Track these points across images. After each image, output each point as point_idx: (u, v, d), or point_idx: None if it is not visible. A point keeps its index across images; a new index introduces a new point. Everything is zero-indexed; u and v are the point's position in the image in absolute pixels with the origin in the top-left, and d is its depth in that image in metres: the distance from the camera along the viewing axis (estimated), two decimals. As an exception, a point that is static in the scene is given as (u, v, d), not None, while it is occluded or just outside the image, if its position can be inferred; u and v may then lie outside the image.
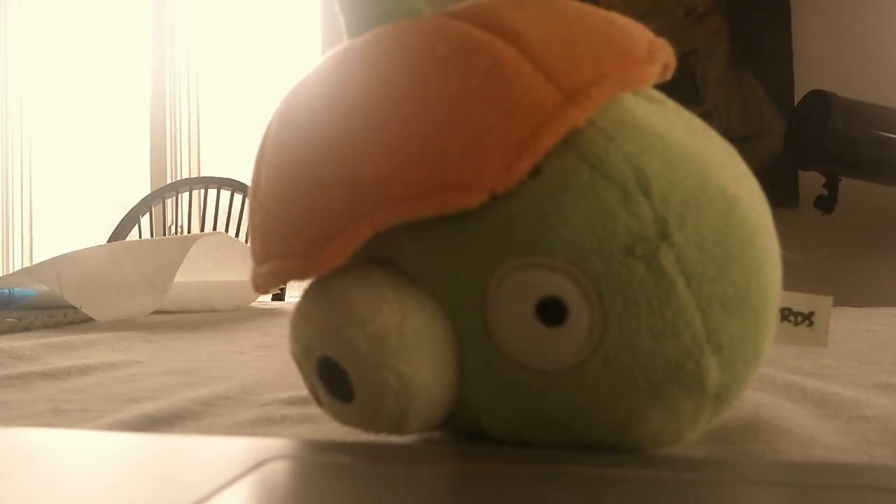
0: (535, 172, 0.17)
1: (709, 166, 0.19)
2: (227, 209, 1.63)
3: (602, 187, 0.17)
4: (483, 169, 0.16)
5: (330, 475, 0.15)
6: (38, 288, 0.68)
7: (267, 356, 0.42)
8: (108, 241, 1.21)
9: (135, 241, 0.64)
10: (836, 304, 0.35)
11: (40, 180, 2.50)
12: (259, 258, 0.20)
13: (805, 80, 1.62)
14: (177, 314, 0.72)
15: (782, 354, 0.37)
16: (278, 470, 0.15)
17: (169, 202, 1.93)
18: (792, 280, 0.25)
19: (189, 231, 1.66)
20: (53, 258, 0.62)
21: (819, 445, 0.22)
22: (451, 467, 0.16)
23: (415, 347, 0.17)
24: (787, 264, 0.22)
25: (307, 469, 0.16)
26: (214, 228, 1.66)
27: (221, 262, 0.76)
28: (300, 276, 0.19)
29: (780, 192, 1.62)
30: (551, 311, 0.16)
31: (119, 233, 1.55)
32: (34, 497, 0.14)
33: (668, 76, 0.21)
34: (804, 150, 1.33)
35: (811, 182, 1.60)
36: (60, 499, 0.14)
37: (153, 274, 0.61)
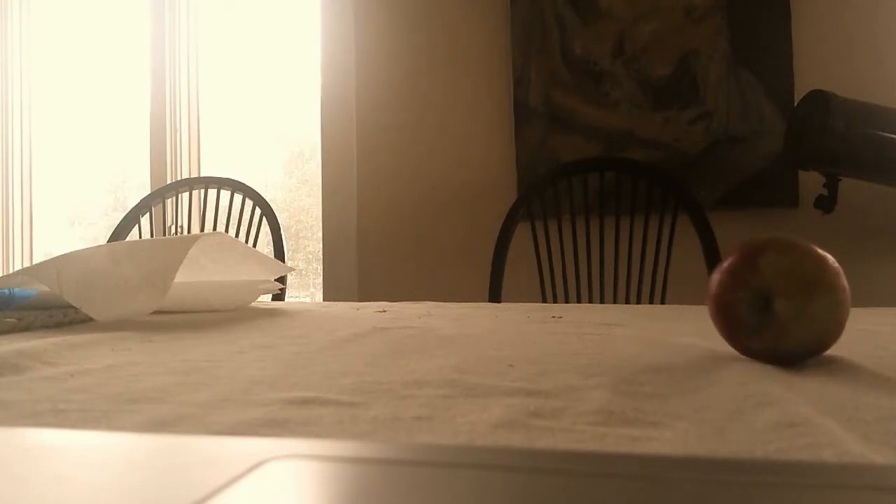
0: None
1: None
2: (227, 209, 1.63)
3: None
4: None
5: (330, 475, 0.15)
6: (38, 288, 0.68)
7: (267, 356, 0.42)
8: (108, 241, 1.21)
9: (135, 241, 0.64)
10: (836, 304, 0.35)
11: (40, 180, 2.50)
12: None
13: (805, 80, 1.62)
14: (177, 314, 0.72)
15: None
16: (278, 470, 0.15)
17: (169, 202, 1.93)
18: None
19: (189, 231, 1.66)
20: (53, 258, 0.62)
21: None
22: (452, 468, 0.16)
23: None
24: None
25: (307, 469, 0.16)
26: (214, 228, 1.66)
27: (221, 262, 0.76)
28: None
29: (780, 192, 1.62)
30: None
31: (119, 233, 1.55)
32: (34, 497, 0.14)
33: None
34: (804, 150, 1.33)
35: (811, 182, 1.60)
36: (60, 499, 0.14)
37: (153, 274, 0.61)
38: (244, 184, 1.55)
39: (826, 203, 1.38)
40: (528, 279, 1.77)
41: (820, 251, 0.36)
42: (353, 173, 1.97)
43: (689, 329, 0.55)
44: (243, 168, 2.35)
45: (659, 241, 1.27)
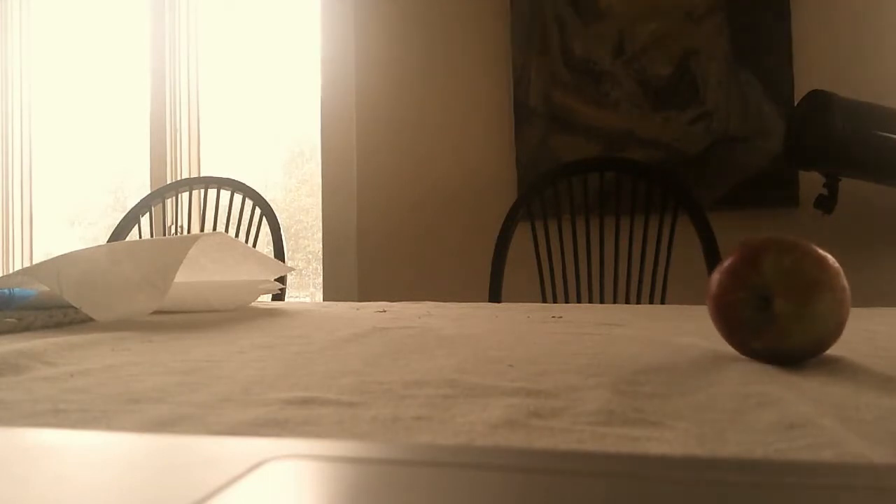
0: None
1: None
2: (227, 209, 1.63)
3: None
4: None
5: (330, 475, 0.15)
6: (38, 288, 0.68)
7: (267, 356, 0.42)
8: (108, 241, 1.21)
9: (135, 241, 0.64)
10: (836, 304, 0.35)
11: (40, 180, 2.50)
12: None
13: (805, 80, 1.62)
14: (177, 314, 0.72)
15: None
16: (278, 470, 0.15)
17: (169, 202, 1.93)
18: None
19: (189, 231, 1.66)
20: (53, 258, 0.62)
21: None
22: (452, 468, 0.16)
23: None
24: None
25: (307, 469, 0.16)
26: (214, 228, 1.66)
27: (221, 262, 0.76)
28: None
29: (780, 192, 1.62)
30: None
31: (119, 233, 1.55)
32: (34, 497, 0.14)
33: None
34: (804, 150, 1.33)
35: (811, 182, 1.60)
36: (60, 499, 0.14)
37: (153, 274, 0.61)
38: (244, 184, 1.55)
39: (826, 203, 1.38)
40: (528, 279, 1.77)
41: (820, 251, 0.36)
42: (353, 173, 1.97)
43: (689, 329, 0.55)
44: (243, 168, 2.35)
45: (659, 241, 1.27)
